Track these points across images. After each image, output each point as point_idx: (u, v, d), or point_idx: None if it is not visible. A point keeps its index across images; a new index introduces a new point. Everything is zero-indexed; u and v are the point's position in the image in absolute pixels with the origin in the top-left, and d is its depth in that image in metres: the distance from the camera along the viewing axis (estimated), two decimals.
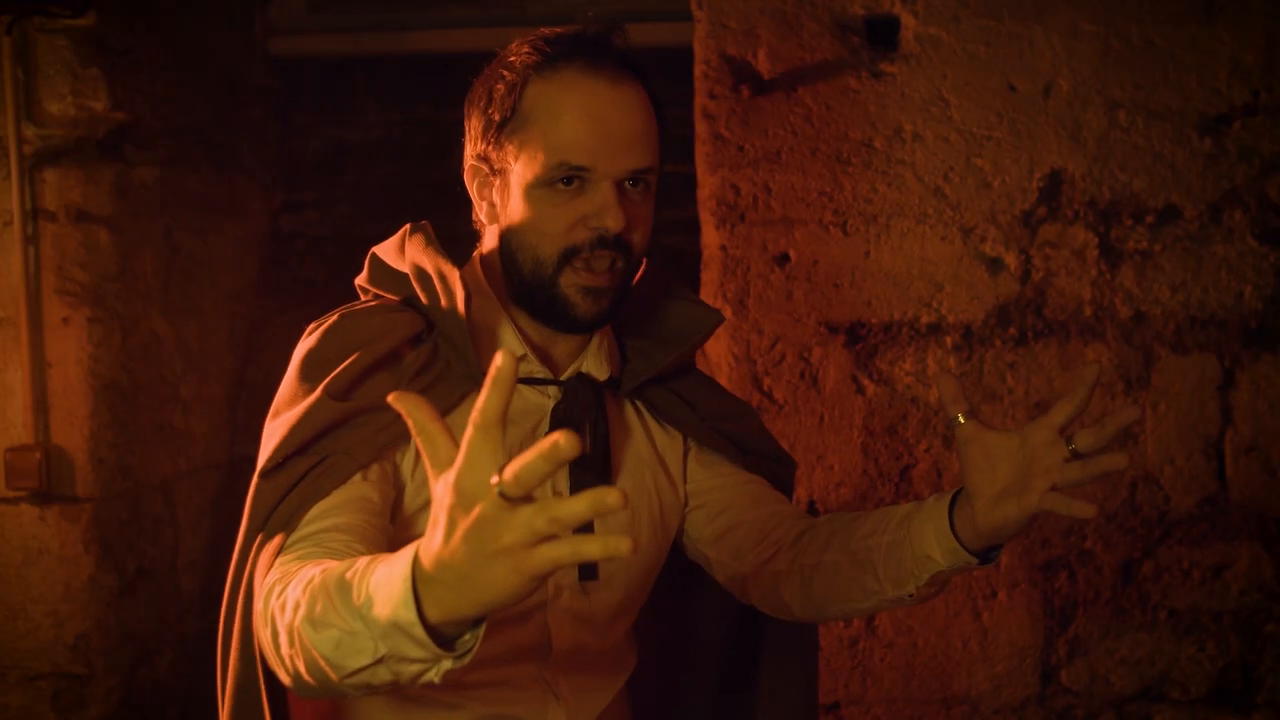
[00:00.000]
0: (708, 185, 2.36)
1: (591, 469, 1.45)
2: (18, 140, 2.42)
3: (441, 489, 0.93)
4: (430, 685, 1.03)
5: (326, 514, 1.27)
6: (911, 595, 1.40)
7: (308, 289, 3.05)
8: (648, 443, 1.55)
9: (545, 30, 1.42)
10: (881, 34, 2.32)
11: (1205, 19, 2.29)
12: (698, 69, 2.36)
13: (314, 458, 1.31)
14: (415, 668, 1.01)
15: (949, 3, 2.31)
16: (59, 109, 2.45)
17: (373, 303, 1.46)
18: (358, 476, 1.31)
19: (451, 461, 0.92)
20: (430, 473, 0.95)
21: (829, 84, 2.33)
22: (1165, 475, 2.35)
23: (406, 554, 0.98)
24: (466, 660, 1.01)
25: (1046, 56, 2.31)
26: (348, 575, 1.05)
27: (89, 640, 2.47)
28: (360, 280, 1.52)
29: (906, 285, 2.35)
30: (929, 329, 2.35)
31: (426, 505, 1.33)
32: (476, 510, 0.90)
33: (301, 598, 1.08)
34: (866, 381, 2.36)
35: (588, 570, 1.43)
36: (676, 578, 1.63)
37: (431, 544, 0.94)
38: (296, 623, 1.07)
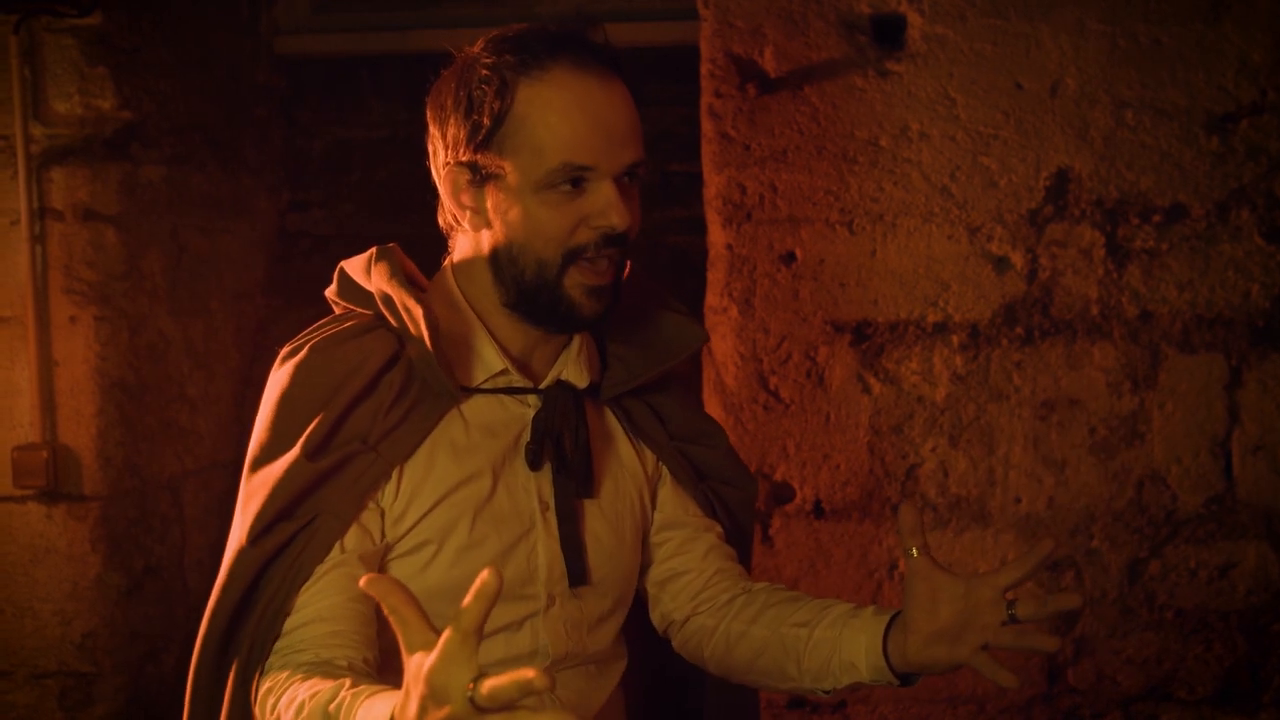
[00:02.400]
0: (714, 184, 2.36)
1: (575, 476, 1.45)
2: (25, 139, 2.42)
3: (414, 672, 0.98)
4: None
5: (309, 601, 1.32)
6: (827, 692, 1.45)
7: (314, 288, 3.05)
8: (630, 449, 1.56)
9: (514, 29, 1.40)
10: (888, 33, 2.32)
11: (1213, 18, 2.28)
12: (704, 68, 2.36)
13: (299, 521, 1.35)
14: None
15: (956, 1, 2.31)
16: (66, 108, 2.46)
17: (348, 320, 1.46)
18: (336, 549, 1.34)
19: (425, 645, 0.98)
20: (404, 651, 1.00)
21: (835, 83, 2.33)
22: (1172, 474, 2.35)
23: (384, 711, 1.05)
24: None
25: (1053, 55, 2.31)
26: (330, 708, 1.15)
27: (96, 639, 2.48)
28: (330, 293, 1.52)
29: (913, 284, 2.35)
30: (935, 328, 2.35)
31: (405, 534, 1.39)
32: (447, 709, 0.95)
33: None
34: (873, 380, 2.36)
35: (578, 576, 1.45)
36: None
37: (405, 715, 1.00)
38: None
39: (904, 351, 2.36)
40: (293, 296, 3.04)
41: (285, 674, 1.27)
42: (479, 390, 1.43)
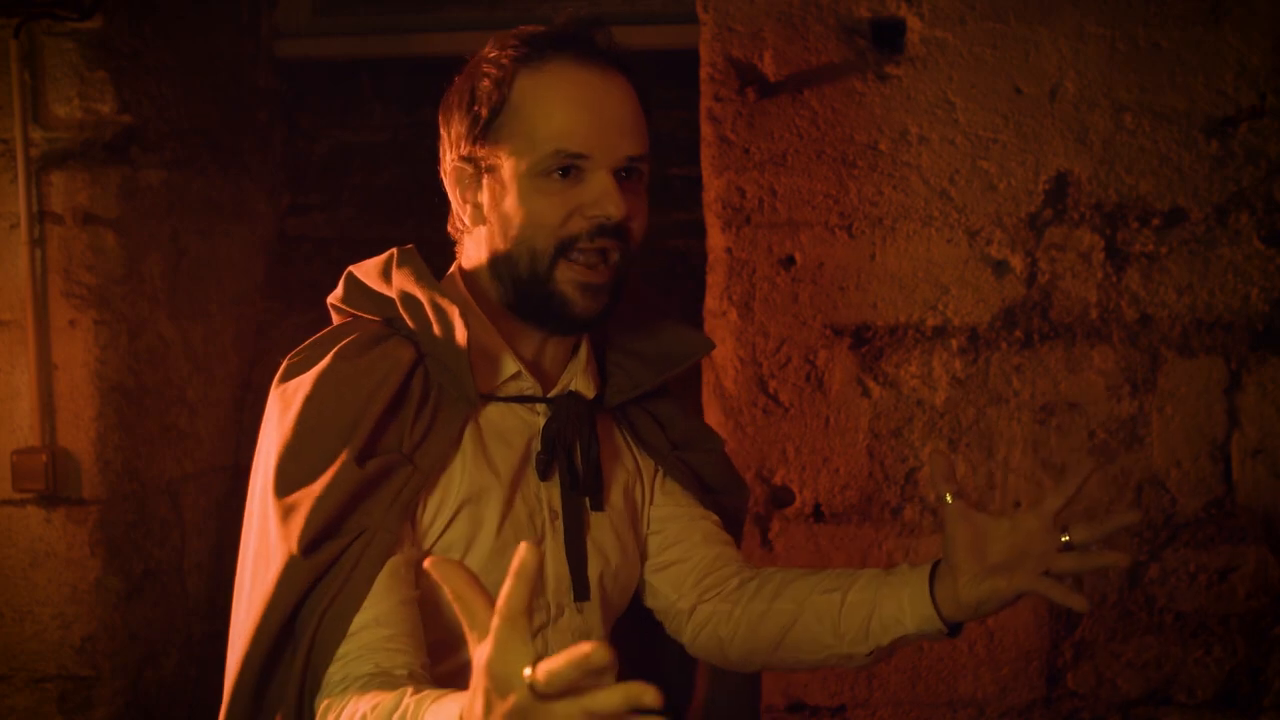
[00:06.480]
0: (713, 188, 2.36)
1: (584, 487, 1.45)
2: (24, 143, 2.42)
3: (479, 662, 0.94)
4: None
5: (366, 606, 1.29)
6: (868, 655, 1.42)
7: (314, 291, 3.05)
8: (632, 458, 1.57)
9: (523, 29, 1.41)
10: (887, 36, 2.32)
11: (1212, 21, 2.28)
12: (703, 71, 2.36)
13: (347, 538, 1.30)
14: None
15: (955, 5, 2.31)
16: (66, 112, 2.46)
17: (353, 326, 1.43)
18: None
19: (489, 629, 0.94)
20: (470, 636, 0.95)
21: (835, 87, 2.33)
22: (1171, 478, 2.34)
23: (452, 712, 1.02)
24: None
25: (1053, 59, 2.31)
26: (394, 717, 1.11)
27: (95, 642, 2.48)
28: (334, 299, 1.48)
29: (912, 288, 2.35)
30: (935, 332, 2.35)
31: (432, 544, 1.37)
32: (511, 699, 0.91)
33: None
34: (872, 384, 2.36)
35: (581, 591, 1.45)
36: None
37: (473, 712, 0.95)
38: None
39: (903, 355, 2.36)
40: (293, 300, 3.04)
41: (343, 691, 1.24)
42: (493, 398, 1.43)
